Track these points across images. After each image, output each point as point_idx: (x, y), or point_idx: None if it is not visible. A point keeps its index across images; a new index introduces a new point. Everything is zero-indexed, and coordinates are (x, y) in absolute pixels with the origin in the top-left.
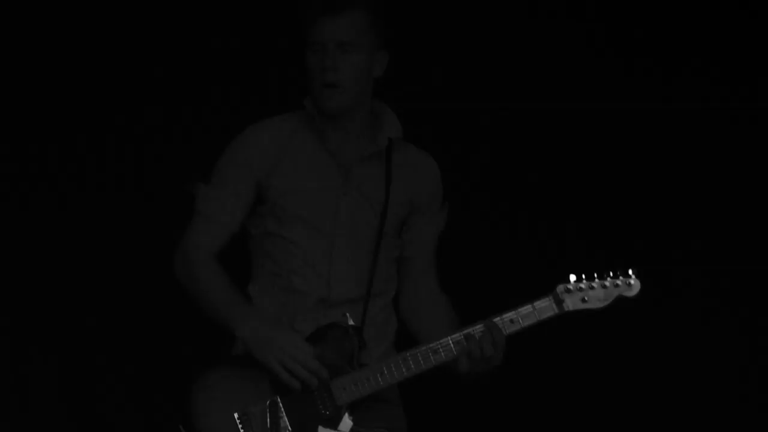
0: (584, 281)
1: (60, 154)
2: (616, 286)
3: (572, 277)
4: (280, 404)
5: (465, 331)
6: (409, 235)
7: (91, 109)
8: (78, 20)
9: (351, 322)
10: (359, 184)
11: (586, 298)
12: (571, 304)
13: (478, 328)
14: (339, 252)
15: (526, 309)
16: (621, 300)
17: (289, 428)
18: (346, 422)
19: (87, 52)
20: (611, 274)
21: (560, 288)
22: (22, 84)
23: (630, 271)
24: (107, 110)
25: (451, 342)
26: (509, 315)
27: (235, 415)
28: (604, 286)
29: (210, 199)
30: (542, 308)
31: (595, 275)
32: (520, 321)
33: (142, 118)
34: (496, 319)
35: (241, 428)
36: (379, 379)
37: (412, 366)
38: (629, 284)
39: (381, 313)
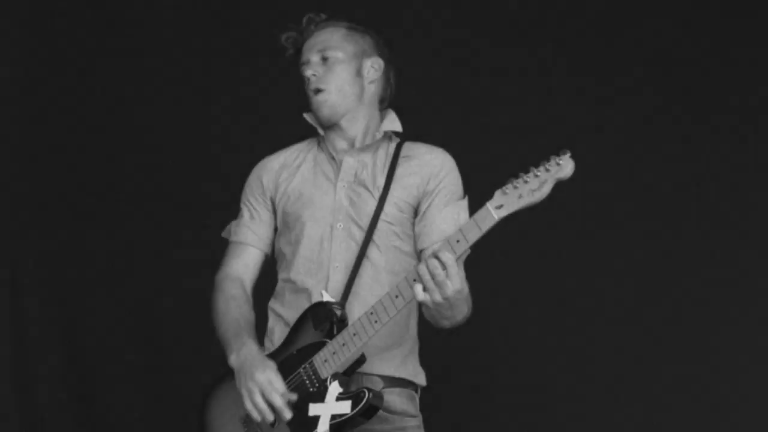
0: (520, 177)
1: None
2: (547, 170)
3: (511, 179)
4: None
5: (416, 267)
6: (420, 228)
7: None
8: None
9: (327, 298)
10: (356, 173)
11: (522, 194)
12: (508, 205)
13: (426, 257)
14: (337, 242)
15: (467, 225)
16: (560, 185)
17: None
18: (332, 392)
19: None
20: (544, 161)
21: (498, 192)
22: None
23: (561, 152)
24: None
25: (407, 282)
26: (453, 236)
27: (240, 421)
28: (536, 175)
29: (238, 227)
30: (482, 218)
31: (531, 167)
32: (465, 237)
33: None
34: (441, 244)
35: (246, 430)
36: (354, 339)
37: (380, 317)
38: (559, 164)
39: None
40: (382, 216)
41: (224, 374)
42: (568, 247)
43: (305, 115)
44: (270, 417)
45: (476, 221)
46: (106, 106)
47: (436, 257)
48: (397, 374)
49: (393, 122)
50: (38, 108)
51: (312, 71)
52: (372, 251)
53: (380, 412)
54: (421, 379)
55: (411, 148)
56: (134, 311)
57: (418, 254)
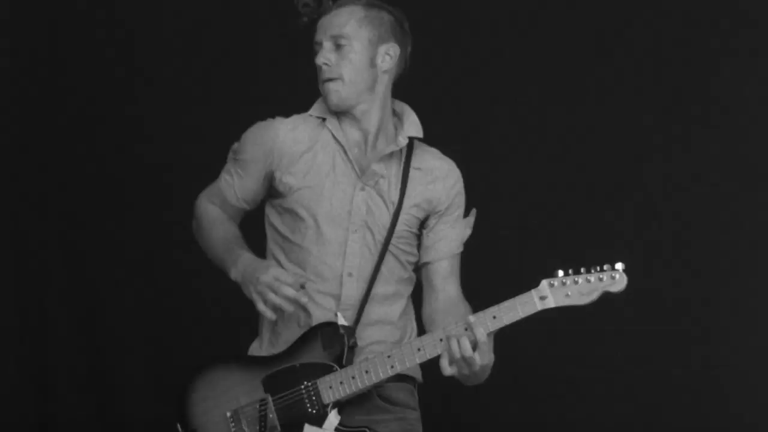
0: (570, 276)
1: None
2: (600, 280)
3: (560, 272)
4: (271, 403)
5: (447, 331)
6: (429, 241)
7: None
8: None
9: (342, 322)
10: (376, 182)
11: (569, 293)
12: (553, 299)
13: (459, 327)
14: (352, 246)
15: (508, 305)
16: (608, 296)
17: (278, 426)
18: (332, 420)
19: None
20: (598, 268)
21: (545, 283)
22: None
23: (617, 266)
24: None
25: (435, 339)
26: (491, 311)
27: (227, 414)
28: (588, 281)
29: (227, 174)
30: (525, 304)
31: (582, 269)
32: (503, 317)
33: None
34: (477, 317)
35: (233, 426)
36: (365, 377)
37: (396, 364)
38: (613, 278)
39: (402, 317)
40: (395, 233)
41: (209, 361)
42: (566, 245)
43: (312, 111)
44: (289, 307)
45: (517, 305)
46: (114, 100)
47: (470, 329)
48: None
49: (415, 126)
50: (43, 103)
51: (324, 59)
52: (385, 267)
53: (381, 403)
54: (418, 375)
55: (422, 158)
56: (148, 309)
57: (420, 266)
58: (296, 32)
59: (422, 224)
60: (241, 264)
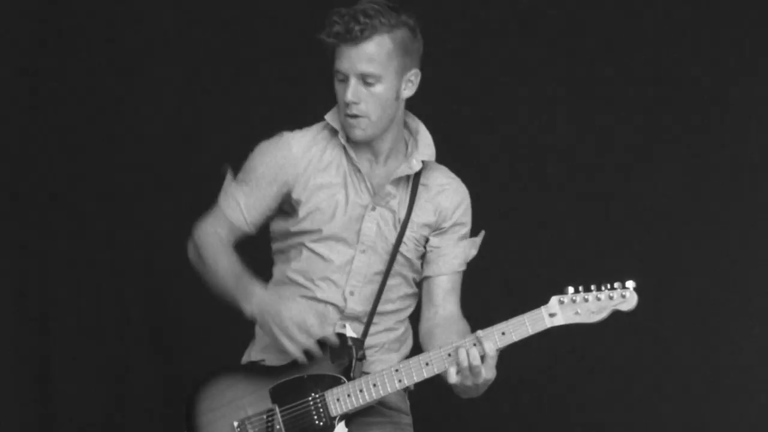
0: (580, 293)
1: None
2: (610, 298)
3: (570, 289)
4: (278, 413)
5: (456, 344)
6: (432, 256)
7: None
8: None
9: (351, 334)
10: (388, 202)
11: (578, 311)
12: (563, 317)
13: (468, 340)
14: (358, 265)
15: (517, 321)
16: (617, 314)
17: None
18: None
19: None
20: (608, 285)
21: (554, 300)
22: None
23: (627, 284)
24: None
25: (442, 354)
26: (500, 327)
27: (234, 424)
28: (598, 299)
29: (231, 197)
30: (535, 320)
31: (592, 287)
32: (512, 334)
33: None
34: (486, 331)
35: None
36: (372, 391)
37: (404, 378)
38: (624, 297)
39: (399, 326)
40: (401, 250)
41: (216, 371)
42: (567, 246)
43: (327, 117)
44: (320, 352)
45: (527, 321)
46: (111, 99)
47: (480, 346)
48: None
49: (429, 149)
50: (40, 103)
51: (351, 95)
52: (390, 283)
53: (375, 406)
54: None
55: (429, 175)
56: (153, 311)
57: (421, 280)
58: (295, 32)
59: (428, 240)
60: (255, 299)
